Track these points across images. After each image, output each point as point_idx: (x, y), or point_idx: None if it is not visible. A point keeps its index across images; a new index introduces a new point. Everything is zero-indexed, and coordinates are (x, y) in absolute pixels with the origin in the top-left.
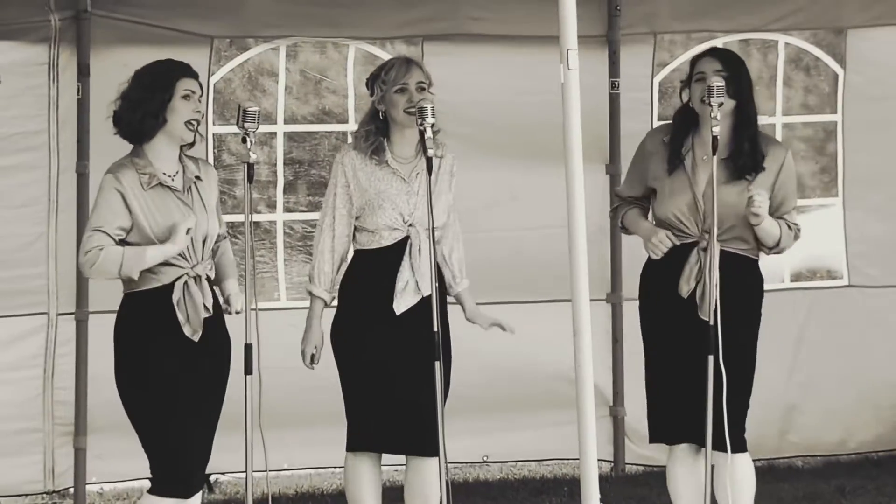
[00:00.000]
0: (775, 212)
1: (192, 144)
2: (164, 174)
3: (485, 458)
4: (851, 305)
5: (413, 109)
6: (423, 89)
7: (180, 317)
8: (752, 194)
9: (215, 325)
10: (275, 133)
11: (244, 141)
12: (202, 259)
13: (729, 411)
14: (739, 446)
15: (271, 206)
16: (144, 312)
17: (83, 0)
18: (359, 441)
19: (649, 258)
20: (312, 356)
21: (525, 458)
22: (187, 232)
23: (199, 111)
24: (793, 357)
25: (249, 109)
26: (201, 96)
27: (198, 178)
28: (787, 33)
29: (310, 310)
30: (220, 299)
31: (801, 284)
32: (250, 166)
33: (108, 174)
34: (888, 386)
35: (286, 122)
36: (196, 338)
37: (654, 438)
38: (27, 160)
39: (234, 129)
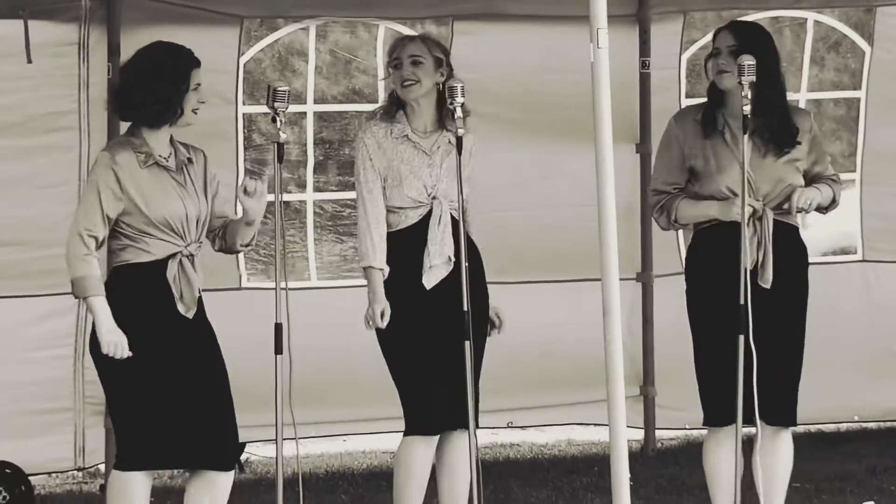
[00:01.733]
0: (814, 174)
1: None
2: (160, 155)
3: (510, 424)
4: (864, 280)
5: (409, 84)
6: (419, 63)
7: (175, 293)
8: (796, 204)
9: (199, 306)
10: (305, 113)
11: (274, 121)
12: (195, 239)
13: (785, 384)
14: (792, 420)
15: (301, 185)
16: (133, 285)
17: None
18: (418, 425)
19: (694, 238)
20: (382, 313)
21: (551, 423)
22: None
23: (202, 101)
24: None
25: (279, 89)
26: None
27: (189, 160)
28: (817, 11)
29: (370, 284)
30: (241, 209)
31: (815, 259)
32: (280, 146)
33: (103, 151)
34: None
35: (316, 102)
36: (190, 315)
37: (709, 422)
38: (58, 140)
39: (264, 108)
